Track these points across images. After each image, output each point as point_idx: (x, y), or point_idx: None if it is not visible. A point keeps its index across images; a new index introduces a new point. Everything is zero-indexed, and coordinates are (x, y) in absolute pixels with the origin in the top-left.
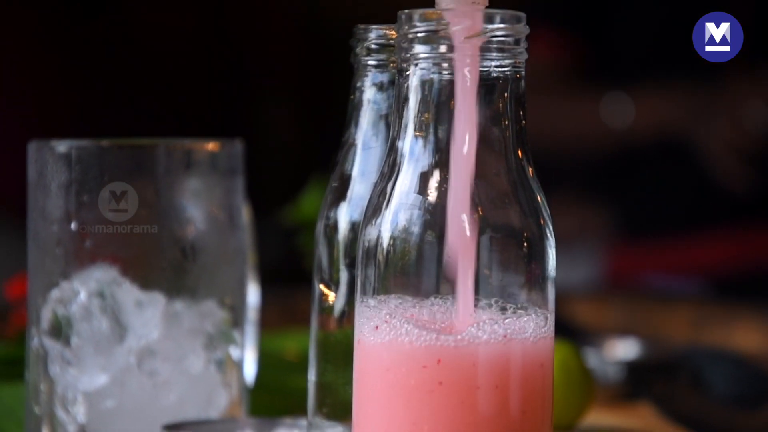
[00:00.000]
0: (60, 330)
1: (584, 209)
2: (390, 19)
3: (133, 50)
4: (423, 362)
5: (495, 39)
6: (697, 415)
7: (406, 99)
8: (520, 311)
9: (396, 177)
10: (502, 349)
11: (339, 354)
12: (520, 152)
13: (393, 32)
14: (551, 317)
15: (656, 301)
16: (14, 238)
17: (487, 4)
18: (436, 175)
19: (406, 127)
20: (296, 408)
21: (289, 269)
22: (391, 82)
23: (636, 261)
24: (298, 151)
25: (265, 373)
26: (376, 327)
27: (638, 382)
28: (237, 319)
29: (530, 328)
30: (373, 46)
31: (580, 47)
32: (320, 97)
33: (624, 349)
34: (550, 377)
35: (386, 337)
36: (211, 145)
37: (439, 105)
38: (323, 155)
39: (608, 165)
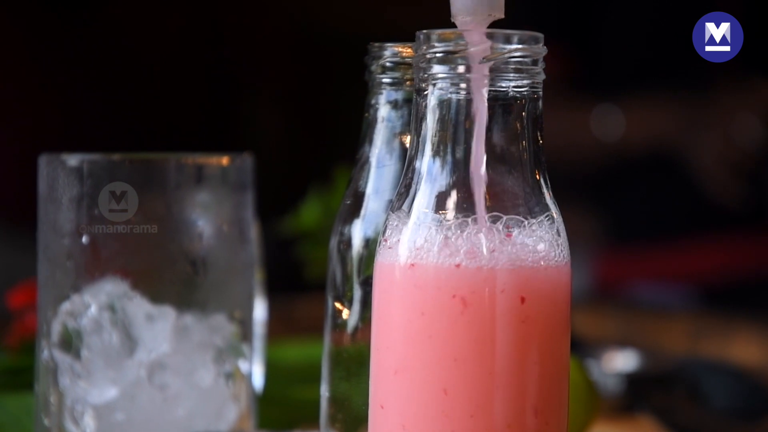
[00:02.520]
0: (70, 343)
1: (575, 218)
2: (385, 32)
3: (128, 63)
4: None
5: (513, 59)
6: (695, 427)
7: (424, 118)
8: None
9: (414, 196)
10: None
11: (352, 369)
12: (537, 173)
13: (408, 50)
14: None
15: (654, 312)
16: (14, 246)
17: (503, 16)
18: (453, 195)
19: (423, 146)
20: (304, 420)
21: (289, 278)
22: (406, 100)
23: (626, 270)
24: (295, 161)
25: (272, 385)
26: None
27: (637, 394)
28: (246, 333)
29: None
30: (387, 64)
31: (571, 59)
32: (317, 107)
33: (623, 361)
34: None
35: None
36: (221, 160)
37: (456, 125)
38: (321, 165)
39: (599, 175)
